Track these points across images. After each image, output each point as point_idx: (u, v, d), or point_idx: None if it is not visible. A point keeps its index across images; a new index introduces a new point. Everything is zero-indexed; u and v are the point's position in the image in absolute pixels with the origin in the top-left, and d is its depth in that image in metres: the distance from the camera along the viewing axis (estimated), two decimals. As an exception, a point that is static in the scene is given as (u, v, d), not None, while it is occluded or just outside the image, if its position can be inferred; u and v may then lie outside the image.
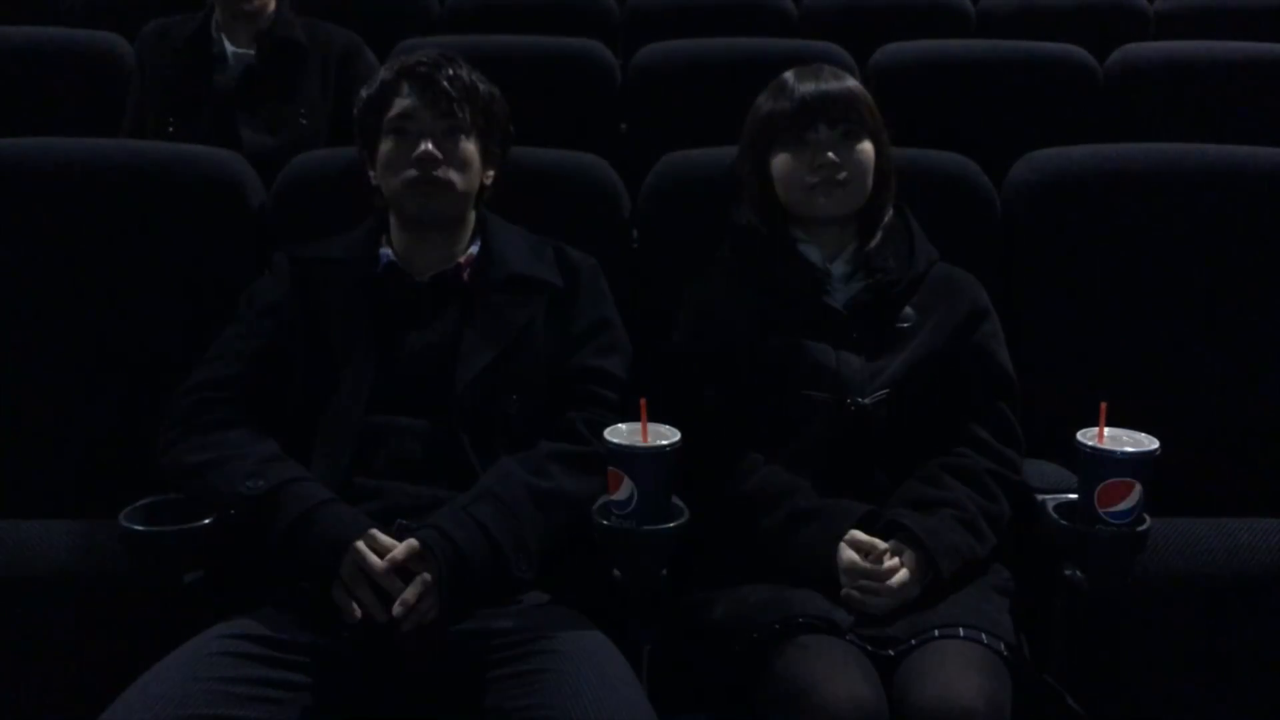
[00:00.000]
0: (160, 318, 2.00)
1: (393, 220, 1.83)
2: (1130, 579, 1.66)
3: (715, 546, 1.74)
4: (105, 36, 2.92)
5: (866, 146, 1.81)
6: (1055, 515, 1.65)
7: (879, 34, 3.05)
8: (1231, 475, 2.03)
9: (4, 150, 2.04)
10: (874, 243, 1.84)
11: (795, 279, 1.82)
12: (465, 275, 1.80)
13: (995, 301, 1.87)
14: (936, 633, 1.56)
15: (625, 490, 1.57)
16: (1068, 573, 1.64)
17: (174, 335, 1.97)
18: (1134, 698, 1.77)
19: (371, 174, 1.83)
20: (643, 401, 1.60)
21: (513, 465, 1.68)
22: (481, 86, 1.81)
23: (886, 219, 1.87)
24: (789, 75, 1.85)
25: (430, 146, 1.74)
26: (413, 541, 1.58)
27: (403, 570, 1.57)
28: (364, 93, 1.82)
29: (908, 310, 1.81)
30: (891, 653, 1.56)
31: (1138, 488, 1.57)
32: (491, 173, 1.85)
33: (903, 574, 1.62)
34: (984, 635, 1.56)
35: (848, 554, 1.64)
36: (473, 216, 1.85)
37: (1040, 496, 1.71)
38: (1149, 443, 1.58)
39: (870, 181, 1.83)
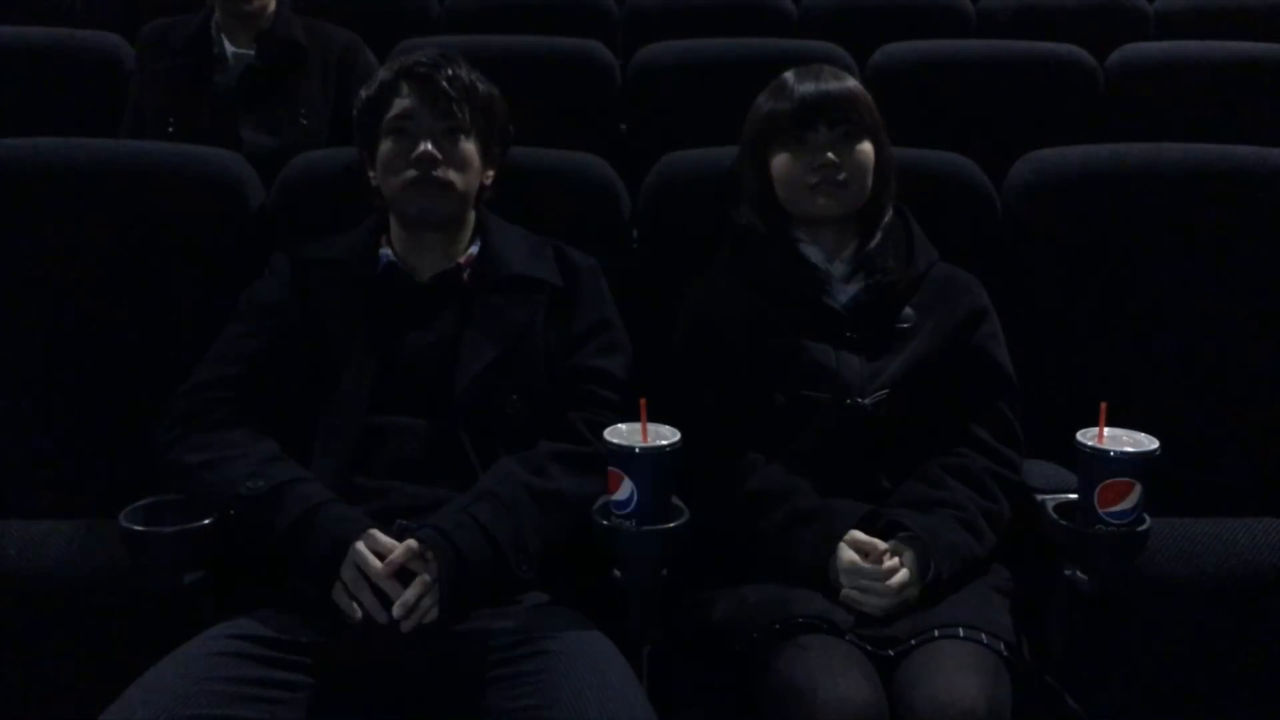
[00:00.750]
0: (160, 318, 2.00)
1: (392, 220, 1.83)
2: (1130, 579, 1.66)
3: (715, 546, 1.74)
4: (105, 36, 2.92)
5: (866, 147, 1.81)
6: (1055, 515, 1.65)
7: (879, 34, 3.05)
8: (1231, 475, 2.03)
9: (4, 150, 2.04)
10: (874, 243, 1.84)
11: (795, 279, 1.82)
12: (465, 275, 1.80)
13: (995, 301, 1.87)
14: (936, 633, 1.56)
15: (625, 490, 1.57)
16: (1068, 573, 1.64)
17: (174, 335, 1.97)
18: (1134, 698, 1.77)
19: (371, 174, 1.83)
20: (643, 401, 1.60)
21: (513, 465, 1.68)
22: (481, 86, 1.81)
23: (886, 219, 1.87)
24: (789, 75, 1.85)
25: (430, 147, 1.74)
26: (412, 542, 1.58)
27: (403, 571, 1.57)
28: (363, 93, 1.82)
29: (907, 310, 1.81)
30: (891, 653, 1.56)
31: (1138, 488, 1.57)
32: (491, 173, 1.85)
33: (902, 574, 1.62)
34: (984, 635, 1.56)
35: (847, 554, 1.64)
36: (472, 217, 1.85)
37: (1040, 496, 1.71)
38: (1149, 443, 1.58)
39: (870, 181, 1.83)
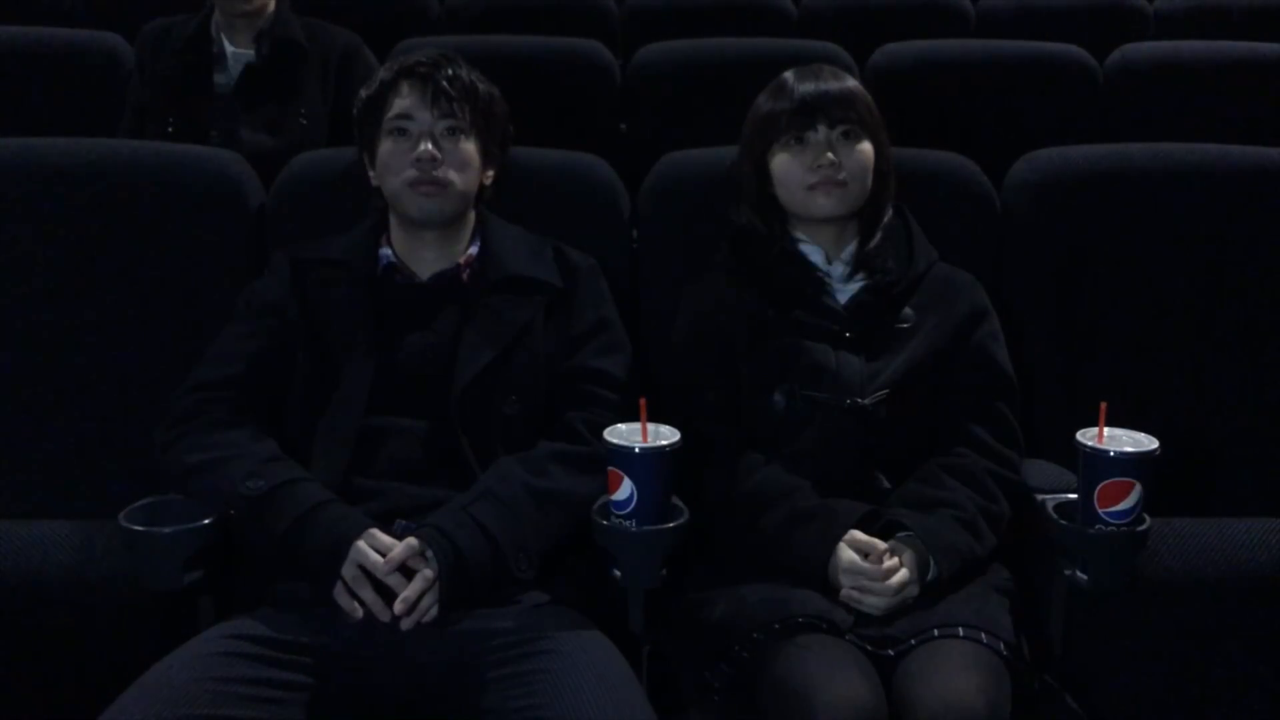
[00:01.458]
0: (160, 317, 2.00)
1: (392, 220, 1.83)
2: (1130, 579, 1.66)
3: (715, 546, 1.74)
4: (105, 36, 2.92)
5: (866, 146, 1.81)
6: (1055, 515, 1.65)
7: (879, 34, 3.05)
8: (1231, 475, 2.03)
9: (4, 150, 2.04)
10: (874, 243, 1.84)
11: (795, 279, 1.82)
12: (465, 275, 1.80)
13: (995, 301, 1.87)
14: (936, 632, 1.56)
15: (625, 490, 1.57)
16: (1068, 573, 1.64)
17: (174, 335, 1.97)
18: (1134, 698, 1.76)
19: (371, 174, 1.83)
20: (643, 401, 1.60)
21: (513, 465, 1.68)
22: (481, 86, 1.81)
23: (886, 219, 1.87)
24: (789, 75, 1.85)
25: (430, 146, 1.74)
26: (412, 540, 1.58)
27: (403, 569, 1.57)
28: (363, 93, 1.82)
29: (907, 311, 1.81)
30: (891, 652, 1.56)
31: (1137, 488, 1.57)
32: (491, 173, 1.84)
33: (902, 574, 1.62)
34: (984, 635, 1.56)
35: (847, 554, 1.64)
36: (472, 216, 1.85)
37: (1040, 496, 1.71)
38: (1149, 443, 1.58)
39: (870, 181, 1.82)
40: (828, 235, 1.85)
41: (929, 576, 1.64)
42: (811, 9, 3.59)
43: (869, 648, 1.56)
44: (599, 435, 1.60)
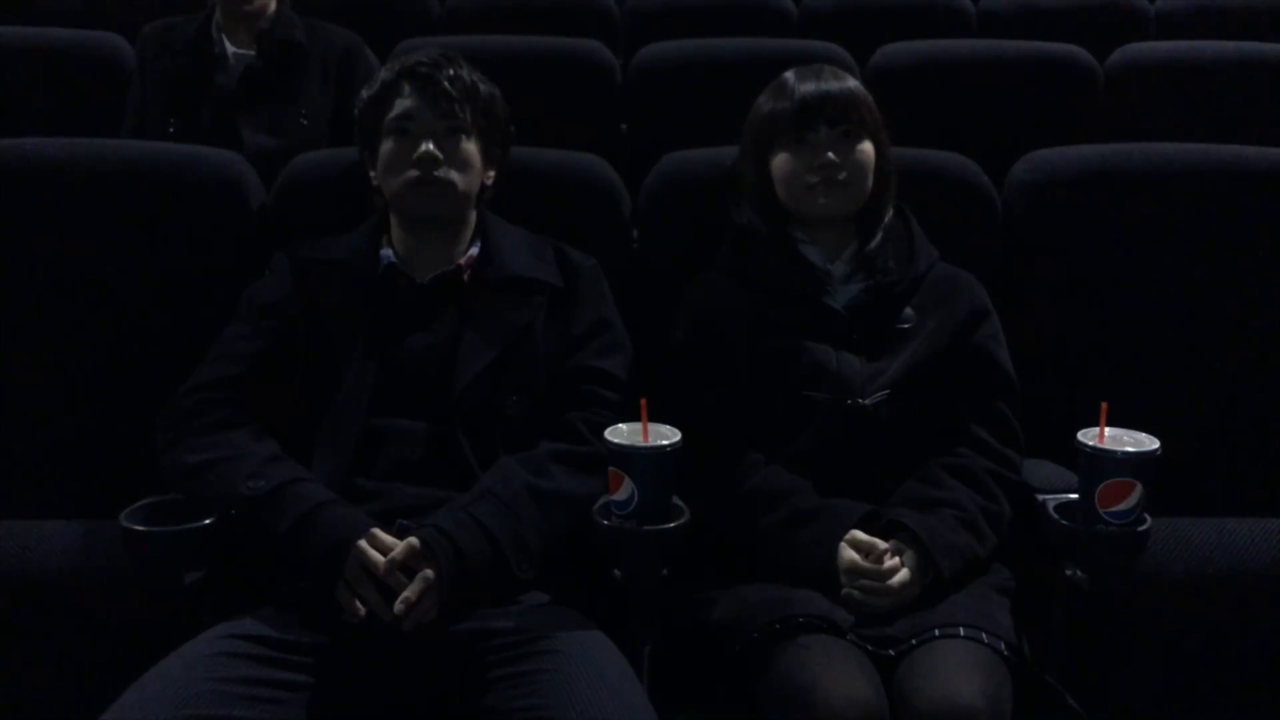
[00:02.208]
0: (160, 317, 2.00)
1: (393, 221, 1.83)
2: (1130, 579, 1.66)
3: (716, 546, 1.74)
4: (105, 36, 2.92)
5: (866, 147, 1.81)
6: (1055, 515, 1.65)
7: (879, 34, 3.05)
8: (1231, 475, 2.03)
9: (4, 150, 2.04)
10: (874, 243, 1.84)
11: (795, 279, 1.82)
12: (465, 276, 1.80)
13: (995, 301, 1.87)
14: (937, 632, 1.56)
15: (626, 490, 1.57)
16: (1068, 573, 1.64)
17: (174, 335, 1.97)
18: (1134, 698, 1.77)
19: (372, 174, 1.83)
20: (643, 401, 1.60)
21: (513, 465, 1.68)
22: (482, 87, 1.81)
23: (887, 219, 1.87)
24: (789, 75, 1.85)
25: (431, 147, 1.74)
26: (413, 540, 1.58)
27: (404, 569, 1.57)
28: (365, 93, 1.82)
29: (908, 311, 1.81)
30: (892, 652, 1.56)
31: (1138, 488, 1.58)
32: (492, 173, 1.85)
33: (903, 574, 1.62)
34: (984, 635, 1.56)
35: (848, 554, 1.64)
36: (473, 217, 1.85)
37: (1040, 496, 1.71)
38: (1149, 443, 1.58)
39: (870, 181, 1.83)
40: (828, 235, 1.85)
41: (930, 576, 1.64)
42: (812, 9, 3.58)
43: (870, 647, 1.56)
44: (600, 435, 1.61)
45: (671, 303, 1.90)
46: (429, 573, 1.56)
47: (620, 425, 1.61)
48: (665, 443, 1.57)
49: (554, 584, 1.66)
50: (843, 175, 1.79)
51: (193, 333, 1.88)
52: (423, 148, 1.74)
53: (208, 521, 1.61)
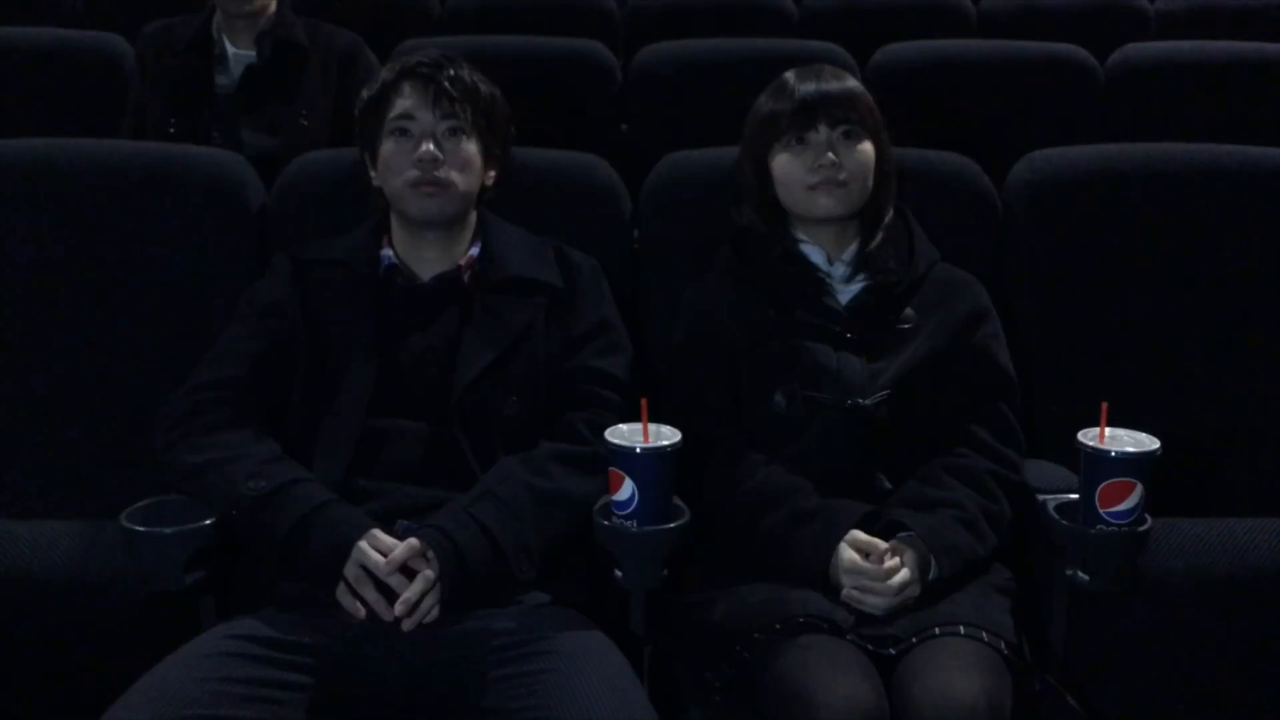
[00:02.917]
0: (161, 318, 2.00)
1: (394, 221, 1.83)
2: (1131, 579, 1.66)
3: (716, 547, 1.74)
4: (105, 36, 2.92)
5: (867, 147, 1.81)
6: (1056, 515, 1.65)
7: (879, 34, 3.06)
8: (1231, 475, 2.03)
9: (4, 150, 2.04)
10: (875, 243, 1.84)
11: (796, 280, 1.82)
12: (466, 276, 1.80)
13: (995, 301, 1.87)
14: (937, 631, 1.56)
15: (626, 490, 1.57)
16: (1069, 573, 1.64)
17: (174, 335, 1.97)
18: (1134, 698, 1.77)
19: (372, 175, 1.83)
20: (643, 401, 1.60)
21: (514, 465, 1.68)
22: (483, 87, 1.81)
23: (887, 219, 1.87)
24: (789, 75, 1.85)
25: (431, 147, 1.74)
26: (413, 541, 1.58)
27: (404, 569, 1.57)
28: (365, 93, 1.82)
29: (908, 311, 1.81)
30: (892, 652, 1.56)
31: (1138, 488, 1.58)
32: (493, 173, 1.85)
33: (903, 574, 1.62)
34: (984, 634, 1.56)
35: (848, 554, 1.64)
36: (474, 217, 1.85)
37: (1041, 496, 1.71)
38: (1149, 443, 1.58)
39: (870, 182, 1.83)
40: (829, 236, 1.85)
41: (930, 576, 1.64)
42: (812, 9, 3.59)
43: (870, 647, 1.56)
44: (600, 435, 1.60)
45: (671, 303, 1.90)
46: (429, 573, 1.56)
47: (620, 425, 1.61)
48: (665, 443, 1.57)
49: (554, 584, 1.66)
50: (843, 175, 1.79)
51: (193, 333, 1.88)
52: (423, 148, 1.74)
53: (209, 522, 1.61)
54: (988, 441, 1.76)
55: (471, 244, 1.83)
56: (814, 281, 1.82)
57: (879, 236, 1.85)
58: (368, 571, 1.56)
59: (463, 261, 1.81)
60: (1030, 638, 1.67)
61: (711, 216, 1.95)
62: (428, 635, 1.56)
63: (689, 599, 1.71)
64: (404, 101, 1.76)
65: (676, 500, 1.62)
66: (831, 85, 1.82)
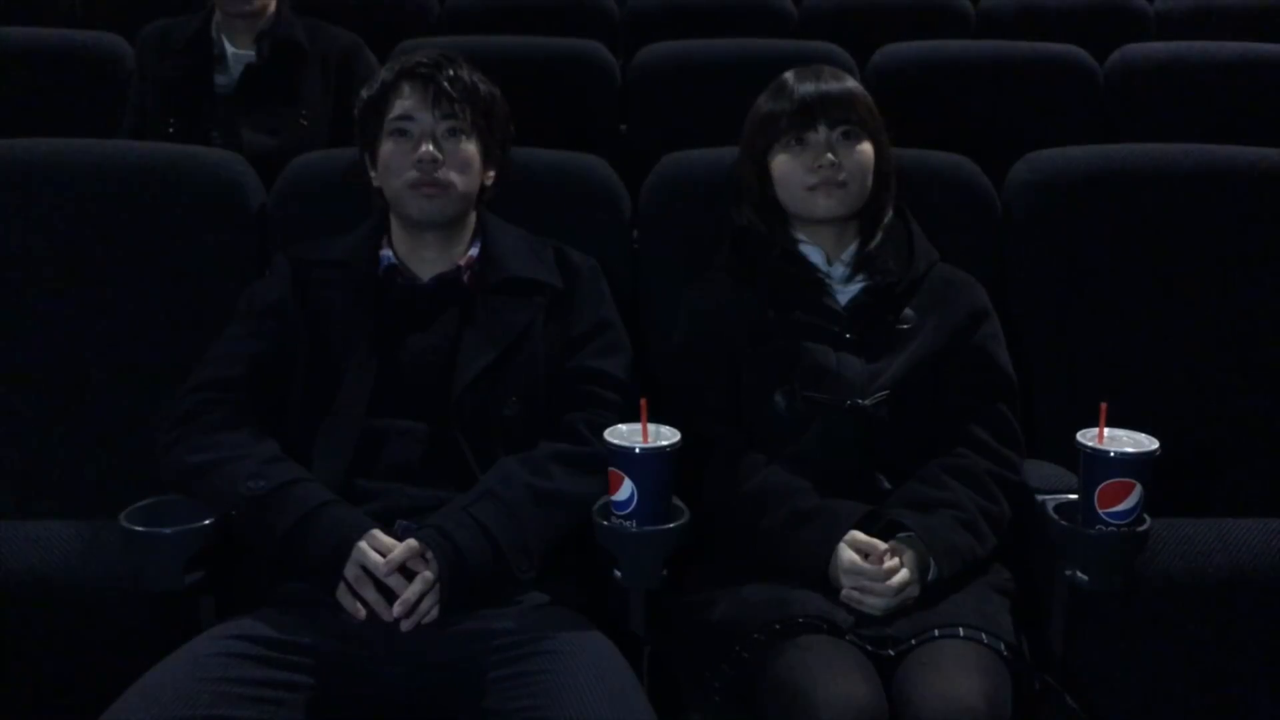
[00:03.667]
0: (160, 318, 2.00)
1: (393, 221, 1.83)
2: (1130, 579, 1.66)
3: (716, 547, 1.74)
4: (105, 36, 2.92)
5: (866, 147, 1.81)
6: (1055, 515, 1.65)
7: (879, 34, 3.05)
8: (1231, 475, 2.03)
9: (4, 150, 2.04)
10: (874, 244, 1.84)
11: (795, 280, 1.82)
12: (465, 277, 1.80)
13: (995, 302, 1.87)
14: (936, 632, 1.56)
15: (625, 491, 1.57)
16: (1068, 573, 1.64)
17: (174, 335, 1.97)
18: (1134, 698, 1.77)
19: (372, 175, 1.83)
20: (643, 402, 1.60)
21: (514, 465, 1.68)
22: (482, 87, 1.81)
23: (887, 220, 1.87)
24: (789, 76, 1.85)
25: (431, 148, 1.74)
26: (413, 541, 1.58)
27: (404, 569, 1.57)
28: (365, 93, 1.82)
29: (908, 312, 1.81)
30: (892, 653, 1.56)
31: (1138, 488, 1.58)
32: (492, 174, 1.84)
33: (903, 574, 1.62)
34: (984, 635, 1.56)
35: (848, 554, 1.64)
36: (473, 218, 1.85)
37: (1040, 497, 1.71)
38: (1149, 443, 1.58)
39: (870, 182, 1.83)
40: (828, 236, 1.85)
41: (929, 577, 1.64)
42: (811, 9, 3.59)
43: (869, 648, 1.56)
44: (600, 436, 1.60)
45: (672, 303, 1.90)
46: (429, 573, 1.56)
47: (620, 425, 1.61)
48: (665, 443, 1.57)
49: (554, 584, 1.66)
50: (842, 176, 1.79)
51: (193, 333, 1.88)
52: (423, 149, 1.74)
53: (208, 522, 1.61)
54: (987, 442, 1.76)
55: (471, 244, 1.83)
56: (813, 282, 1.82)
57: (878, 237, 1.85)
58: (367, 572, 1.56)
59: (462, 262, 1.81)
60: (1030, 638, 1.67)
61: (711, 216, 1.95)
62: (427, 635, 1.56)
63: (689, 599, 1.71)
64: (404, 102, 1.76)
65: (676, 500, 1.62)
66: (831, 86, 1.82)
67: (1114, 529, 1.58)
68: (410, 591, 1.55)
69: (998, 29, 3.51)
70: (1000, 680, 1.52)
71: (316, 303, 1.77)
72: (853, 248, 1.85)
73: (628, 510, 1.58)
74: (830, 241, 1.85)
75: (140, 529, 1.58)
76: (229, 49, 2.64)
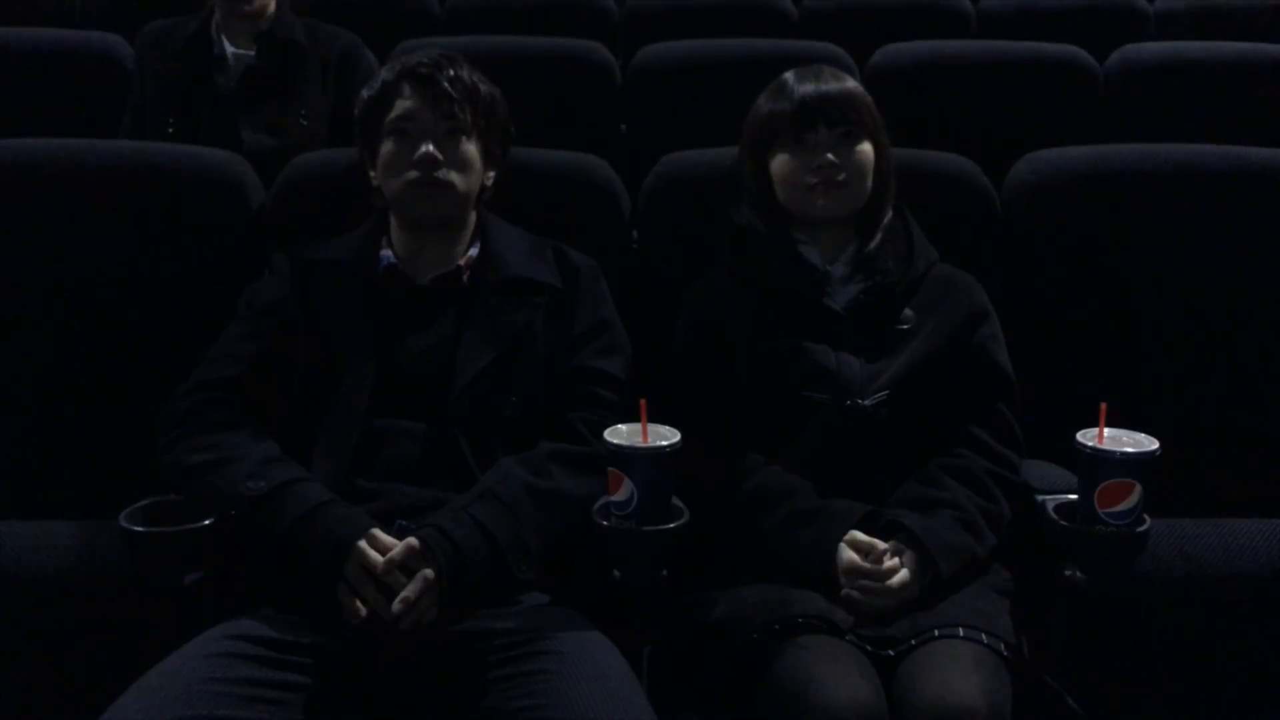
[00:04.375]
0: (160, 318, 2.00)
1: (393, 221, 1.83)
2: (1130, 579, 1.66)
3: (715, 546, 1.74)
4: (105, 37, 2.92)
5: (866, 148, 1.81)
6: (1055, 516, 1.65)
7: (879, 34, 3.05)
8: (1231, 475, 2.03)
9: (4, 150, 2.04)
10: (874, 244, 1.84)
11: (795, 280, 1.82)
12: (465, 277, 1.80)
13: (995, 301, 1.87)
14: (936, 632, 1.56)
15: (625, 491, 1.57)
16: (1068, 573, 1.64)
17: (174, 335, 1.97)
18: (1134, 698, 1.77)
19: (372, 175, 1.83)
20: (643, 402, 1.60)
21: (513, 465, 1.68)
22: (482, 87, 1.81)
23: (886, 220, 1.87)
24: (789, 76, 1.85)
25: (431, 148, 1.74)
26: (412, 541, 1.58)
27: (403, 569, 1.57)
28: (365, 94, 1.82)
29: (907, 312, 1.81)
30: (891, 653, 1.56)
31: (1137, 488, 1.57)
32: (492, 174, 1.85)
33: (902, 574, 1.62)
34: (984, 635, 1.56)
35: (848, 554, 1.64)
36: (473, 218, 1.85)
37: (1040, 497, 1.71)
38: (1149, 443, 1.58)
39: (870, 182, 1.83)
40: (828, 236, 1.85)
41: (929, 577, 1.64)
42: (811, 9, 3.59)
43: (869, 648, 1.56)
44: (599, 436, 1.60)
45: (671, 303, 1.90)
46: (428, 572, 1.56)
47: (620, 426, 1.61)
48: (665, 443, 1.57)
49: (554, 584, 1.66)
50: (842, 176, 1.79)
51: (193, 333, 1.88)
52: (422, 149, 1.74)
53: (208, 522, 1.61)
54: (986, 442, 1.76)
55: (471, 244, 1.83)
56: (813, 282, 1.82)
57: (878, 237, 1.85)
58: (367, 571, 1.56)
59: (462, 262, 1.81)
60: (1030, 638, 1.67)
61: (711, 216, 1.94)
62: (427, 635, 1.56)
63: (689, 599, 1.71)
64: (404, 102, 1.76)
65: (676, 500, 1.62)
66: (830, 86, 1.82)
67: (1114, 529, 1.58)
68: (409, 591, 1.55)
69: (997, 29, 3.51)
70: (1000, 681, 1.52)
71: (316, 303, 1.77)
72: (852, 248, 1.85)
73: (628, 510, 1.57)
74: (830, 242, 1.85)
75: (140, 529, 1.58)
76: (229, 49, 2.64)
